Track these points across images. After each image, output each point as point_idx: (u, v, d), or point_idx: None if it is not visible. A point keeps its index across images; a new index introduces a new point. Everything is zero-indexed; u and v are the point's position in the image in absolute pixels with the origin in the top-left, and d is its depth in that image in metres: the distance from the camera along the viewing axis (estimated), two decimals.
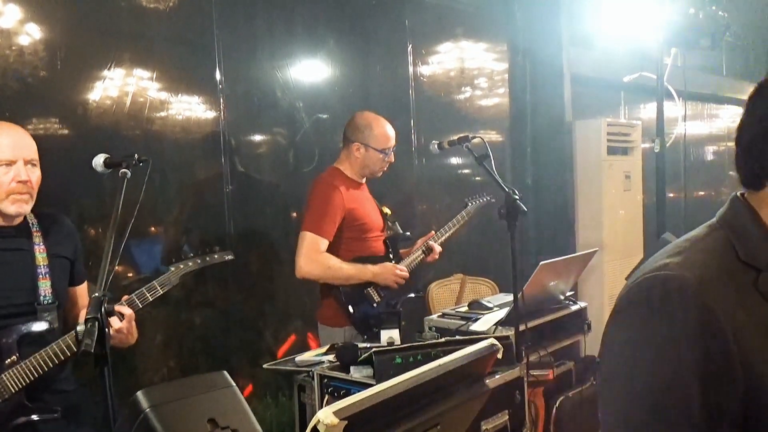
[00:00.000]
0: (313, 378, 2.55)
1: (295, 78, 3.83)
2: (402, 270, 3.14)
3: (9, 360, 2.04)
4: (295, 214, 3.86)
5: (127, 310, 2.12)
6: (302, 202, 3.90)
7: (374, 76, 4.28)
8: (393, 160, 3.22)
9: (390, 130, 3.17)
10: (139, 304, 2.18)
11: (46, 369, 2.06)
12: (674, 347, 0.90)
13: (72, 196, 2.97)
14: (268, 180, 3.81)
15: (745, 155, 1.01)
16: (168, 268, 2.28)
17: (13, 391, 2.03)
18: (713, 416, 0.89)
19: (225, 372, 1.82)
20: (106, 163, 2.07)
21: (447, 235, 3.31)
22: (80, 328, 1.61)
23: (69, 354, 2.07)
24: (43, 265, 2.15)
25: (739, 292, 0.93)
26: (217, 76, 3.46)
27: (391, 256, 3.23)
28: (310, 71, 3.95)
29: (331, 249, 3.04)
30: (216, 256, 2.39)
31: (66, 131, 2.99)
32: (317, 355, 2.73)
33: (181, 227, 3.44)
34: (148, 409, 1.58)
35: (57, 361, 2.06)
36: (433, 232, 3.29)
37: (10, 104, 2.77)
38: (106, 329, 1.64)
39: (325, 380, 2.50)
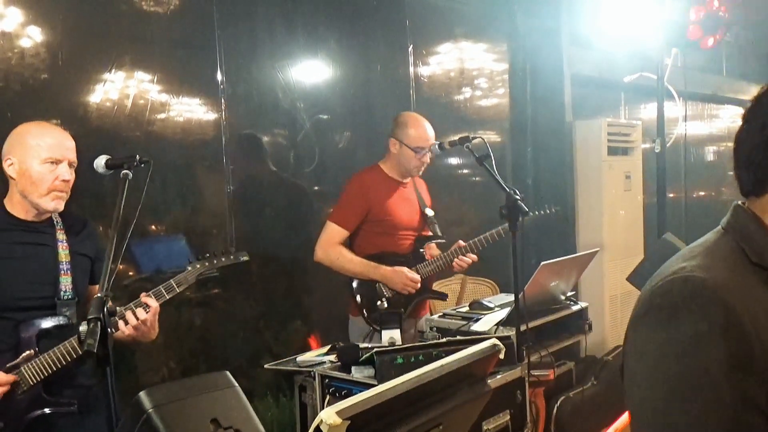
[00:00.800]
0: (314, 378, 2.55)
1: (295, 79, 3.84)
2: (414, 278, 3.16)
3: (27, 353, 2.09)
4: (296, 215, 3.87)
5: (153, 302, 2.17)
6: (302, 203, 3.94)
7: (375, 77, 4.28)
8: (428, 161, 3.27)
9: (426, 131, 3.23)
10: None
11: (64, 363, 2.09)
12: (701, 344, 0.94)
13: (73, 197, 2.97)
14: (269, 180, 3.81)
15: (746, 163, 1.05)
16: (185, 268, 2.32)
17: (32, 383, 2.07)
18: (743, 408, 0.92)
19: (227, 372, 1.82)
20: (108, 165, 2.09)
21: (479, 243, 3.27)
22: (83, 328, 1.62)
23: None
24: (65, 262, 2.20)
25: (753, 290, 0.98)
26: (219, 77, 3.47)
27: (417, 255, 3.27)
28: (310, 72, 3.95)
29: (356, 240, 3.21)
30: (232, 257, 2.44)
31: (67, 133, 2.99)
32: (318, 356, 2.73)
33: (182, 228, 3.44)
34: (151, 410, 1.59)
35: (75, 356, 2.09)
36: (461, 242, 3.28)
37: (12, 106, 2.78)
38: (109, 330, 1.64)
39: (327, 380, 2.50)
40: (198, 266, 2.34)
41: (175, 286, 2.26)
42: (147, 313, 2.15)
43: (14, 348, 2.09)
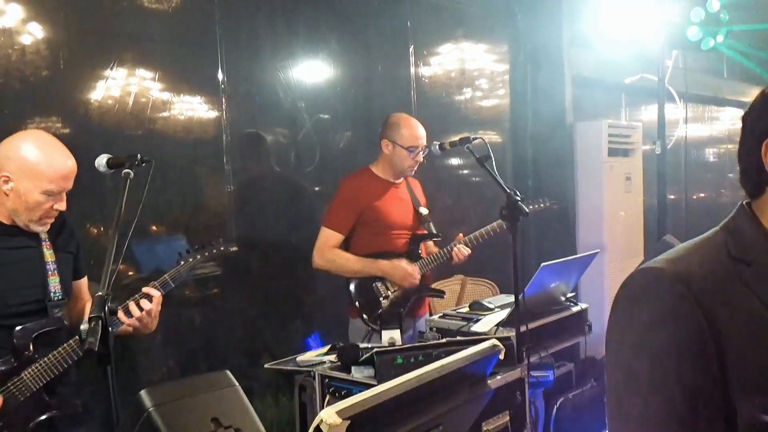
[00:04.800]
0: (314, 378, 2.55)
1: (296, 78, 3.84)
2: (413, 271, 3.17)
3: (26, 358, 2.06)
4: (296, 214, 3.86)
5: (155, 292, 2.19)
6: (303, 202, 3.94)
7: (376, 77, 4.28)
8: (421, 159, 3.28)
9: (418, 131, 3.26)
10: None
11: (66, 365, 2.09)
12: (652, 331, 0.99)
13: (74, 197, 2.97)
14: (269, 180, 3.81)
15: (743, 166, 1.10)
16: (178, 263, 2.33)
17: (34, 389, 2.06)
18: (691, 394, 0.96)
19: (228, 371, 1.83)
20: (109, 164, 2.08)
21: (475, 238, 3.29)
22: (84, 327, 1.62)
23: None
24: (51, 262, 2.17)
25: (723, 283, 1.01)
26: (220, 76, 3.47)
27: (413, 253, 3.28)
28: (311, 71, 3.95)
29: (351, 241, 3.23)
30: (222, 248, 2.46)
31: (68, 131, 2.99)
32: (318, 355, 2.73)
33: (182, 227, 3.44)
34: (151, 408, 1.59)
35: (77, 357, 2.09)
36: (461, 235, 3.31)
37: (13, 104, 2.78)
38: (110, 328, 1.64)
39: (327, 380, 2.50)
40: (190, 260, 2.34)
41: (170, 281, 2.26)
42: (150, 303, 2.16)
43: (10, 354, 2.06)
